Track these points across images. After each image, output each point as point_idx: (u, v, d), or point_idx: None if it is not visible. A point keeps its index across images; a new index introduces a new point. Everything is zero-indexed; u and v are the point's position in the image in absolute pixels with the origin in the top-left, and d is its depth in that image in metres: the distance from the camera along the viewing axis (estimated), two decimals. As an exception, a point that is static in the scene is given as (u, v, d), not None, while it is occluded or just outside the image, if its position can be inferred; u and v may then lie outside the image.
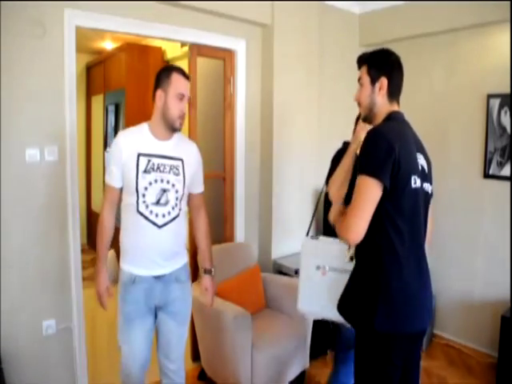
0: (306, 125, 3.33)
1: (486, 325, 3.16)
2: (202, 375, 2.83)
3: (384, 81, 1.58)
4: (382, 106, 1.60)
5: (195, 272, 2.98)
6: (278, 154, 3.21)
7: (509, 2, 2.75)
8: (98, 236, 1.92)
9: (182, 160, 1.91)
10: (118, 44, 4.72)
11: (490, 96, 3.08)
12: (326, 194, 1.86)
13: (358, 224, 1.40)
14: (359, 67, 1.66)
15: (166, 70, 1.87)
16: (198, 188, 2.07)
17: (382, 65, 1.61)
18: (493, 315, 3.08)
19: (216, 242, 3.14)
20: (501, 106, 3.03)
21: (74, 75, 2.37)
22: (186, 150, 1.97)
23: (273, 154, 3.17)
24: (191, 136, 2.96)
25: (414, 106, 3.57)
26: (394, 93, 1.63)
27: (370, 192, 1.41)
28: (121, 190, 1.89)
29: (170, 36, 2.75)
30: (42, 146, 2.26)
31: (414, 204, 1.49)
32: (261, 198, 3.31)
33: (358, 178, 1.44)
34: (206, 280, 2.15)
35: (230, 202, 3.20)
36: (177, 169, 1.89)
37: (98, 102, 5.43)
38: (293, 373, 2.65)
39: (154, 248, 1.87)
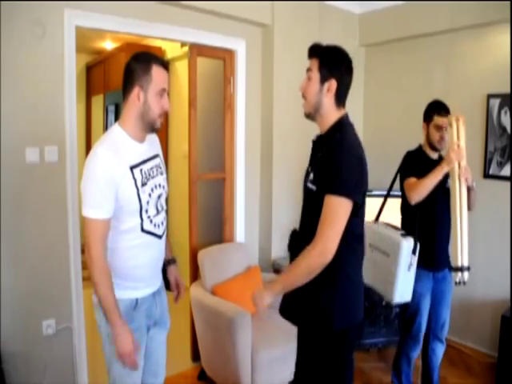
0: (306, 125, 3.32)
1: (486, 325, 3.15)
2: (202, 375, 2.83)
3: (333, 83, 1.56)
4: (330, 108, 1.59)
5: (195, 272, 2.98)
6: (278, 154, 3.21)
7: (509, 2, 2.75)
8: (102, 284, 1.51)
9: (158, 155, 1.74)
10: (117, 44, 4.71)
11: (490, 96, 3.07)
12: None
13: (332, 243, 1.43)
14: (310, 57, 1.62)
15: (143, 61, 1.55)
16: None
17: (333, 65, 1.58)
18: (493, 315, 3.08)
19: (216, 242, 3.14)
20: (501, 106, 3.03)
21: (74, 75, 2.37)
22: (155, 142, 1.77)
23: (273, 154, 3.17)
24: (191, 136, 2.97)
25: (414, 106, 3.57)
26: (341, 96, 1.61)
27: (345, 213, 1.45)
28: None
29: (170, 36, 2.76)
30: (42, 146, 2.25)
31: (363, 213, 1.60)
32: (261, 199, 3.31)
33: (330, 197, 1.44)
34: (174, 270, 1.91)
35: (230, 203, 3.20)
36: (160, 167, 1.71)
37: (98, 101, 5.43)
38: (292, 373, 2.64)
39: (157, 261, 1.72)
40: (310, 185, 1.56)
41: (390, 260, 2.23)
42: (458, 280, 2.10)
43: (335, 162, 1.47)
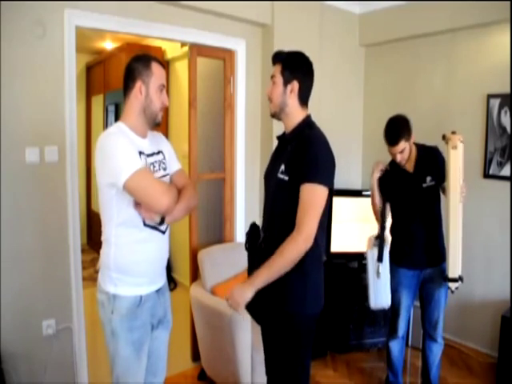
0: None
1: (486, 325, 3.15)
2: (202, 375, 2.83)
3: (295, 84, 1.67)
4: (294, 108, 1.70)
5: (195, 272, 2.98)
6: (278, 154, 3.20)
7: (509, 2, 2.75)
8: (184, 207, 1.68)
9: (162, 152, 1.78)
10: (117, 44, 4.72)
11: (490, 96, 3.07)
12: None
13: (314, 229, 1.55)
14: (274, 64, 1.74)
15: (144, 59, 1.66)
16: (176, 165, 1.83)
17: (295, 68, 1.69)
18: (493, 315, 3.08)
19: (216, 242, 3.15)
20: (501, 106, 3.03)
21: (74, 75, 2.37)
22: (159, 140, 1.81)
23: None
24: (191, 136, 2.97)
25: (414, 106, 3.57)
26: (304, 97, 1.72)
27: (323, 199, 1.57)
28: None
29: (170, 36, 2.76)
30: (42, 146, 2.25)
31: (327, 207, 1.68)
32: (261, 199, 3.31)
33: (308, 185, 1.54)
34: None
35: (230, 202, 3.20)
36: (163, 163, 1.75)
37: (98, 101, 5.43)
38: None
39: (161, 258, 1.72)
40: (280, 175, 1.64)
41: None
42: (454, 289, 2.36)
43: (310, 153, 1.57)
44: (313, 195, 1.54)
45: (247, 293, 1.56)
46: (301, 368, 1.69)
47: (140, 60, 1.65)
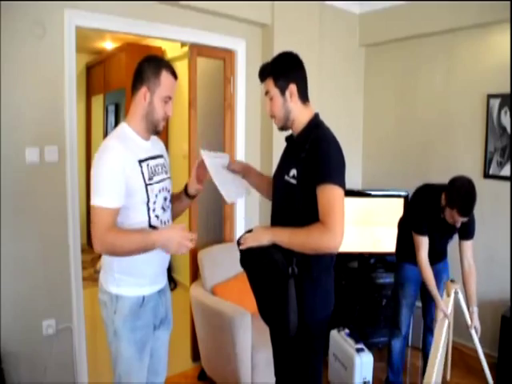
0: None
1: (486, 325, 3.14)
2: (202, 375, 2.83)
3: (293, 87, 1.61)
4: (298, 110, 1.64)
5: (195, 272, 2.99)
6: (278, 154, 3.19)
7: (509, 2, 2.75)
8: (117, 248, 1.51)
9: (163, 156, 1.78)
10: (118, 44, 4.72)
11: (489, 96, 3.07)
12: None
13: (342, 231, 1.47)
14: (263, 80, 1.68)
15: (154, 64, 1.61)
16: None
17: (288, 72, 1.63)
18: (493, 315, 3.08)
19: (216, 241, 3.15)
20: (501, 106, 3.03)
21: (74, 75, 2.37)
22: (159, 144, 1.81)
23: (273, 153, 3.17)
24: (191, 136, 2.97)
25: (414, 106, 3.57)
26: (304, 94, 1.65)
27: (343, 200, 1.51)
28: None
29: (170, 36, 2.76)
30: (42, 146, 2.26)
31: None
32: (261, 198, 3.31)
33: (326, 186, 1.47)
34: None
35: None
36: (164, 166, 1.75)
37: (98, 101, 5.43)
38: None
39: (163, 259, 1.72)
40: (288, 179, 1.59)
41: (347, 374, 2.56)
42: None
43: (321, 154, 1.51)
44: (333, 196, 1.47)
45: (265, 237, 1.53)
46: (311, 370, 1.67)
47: (151, 64, 1.60)
